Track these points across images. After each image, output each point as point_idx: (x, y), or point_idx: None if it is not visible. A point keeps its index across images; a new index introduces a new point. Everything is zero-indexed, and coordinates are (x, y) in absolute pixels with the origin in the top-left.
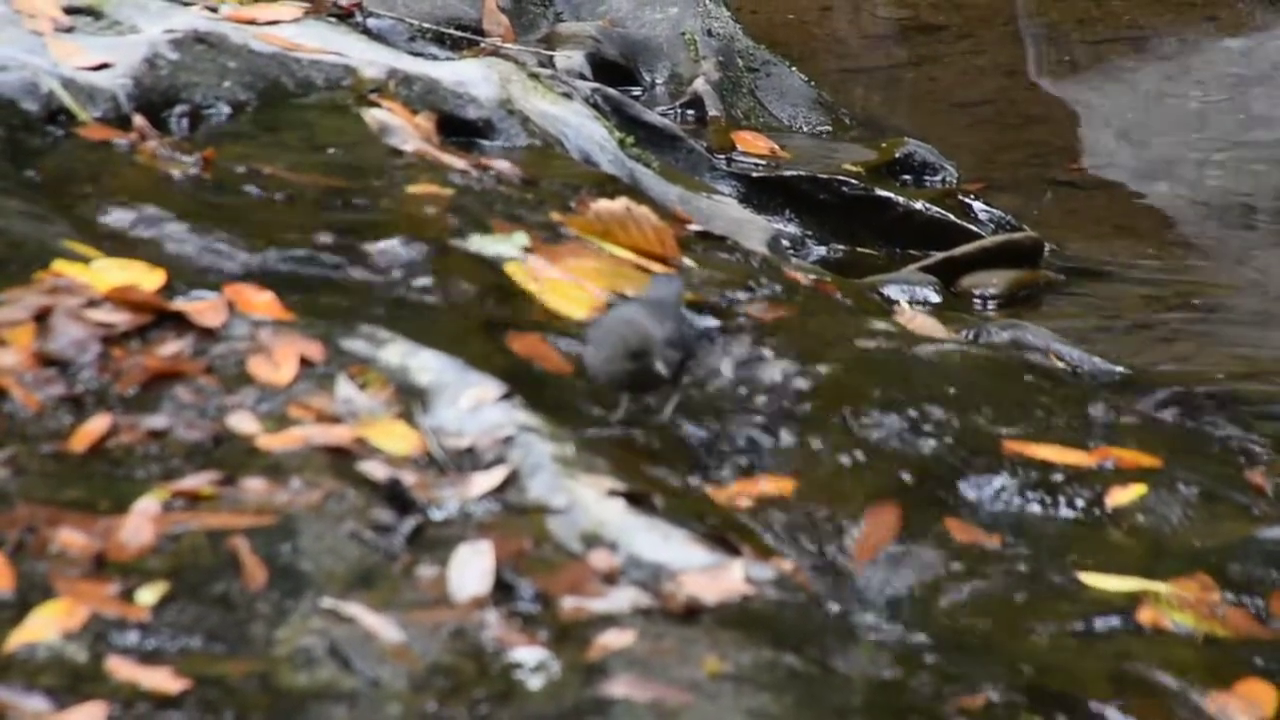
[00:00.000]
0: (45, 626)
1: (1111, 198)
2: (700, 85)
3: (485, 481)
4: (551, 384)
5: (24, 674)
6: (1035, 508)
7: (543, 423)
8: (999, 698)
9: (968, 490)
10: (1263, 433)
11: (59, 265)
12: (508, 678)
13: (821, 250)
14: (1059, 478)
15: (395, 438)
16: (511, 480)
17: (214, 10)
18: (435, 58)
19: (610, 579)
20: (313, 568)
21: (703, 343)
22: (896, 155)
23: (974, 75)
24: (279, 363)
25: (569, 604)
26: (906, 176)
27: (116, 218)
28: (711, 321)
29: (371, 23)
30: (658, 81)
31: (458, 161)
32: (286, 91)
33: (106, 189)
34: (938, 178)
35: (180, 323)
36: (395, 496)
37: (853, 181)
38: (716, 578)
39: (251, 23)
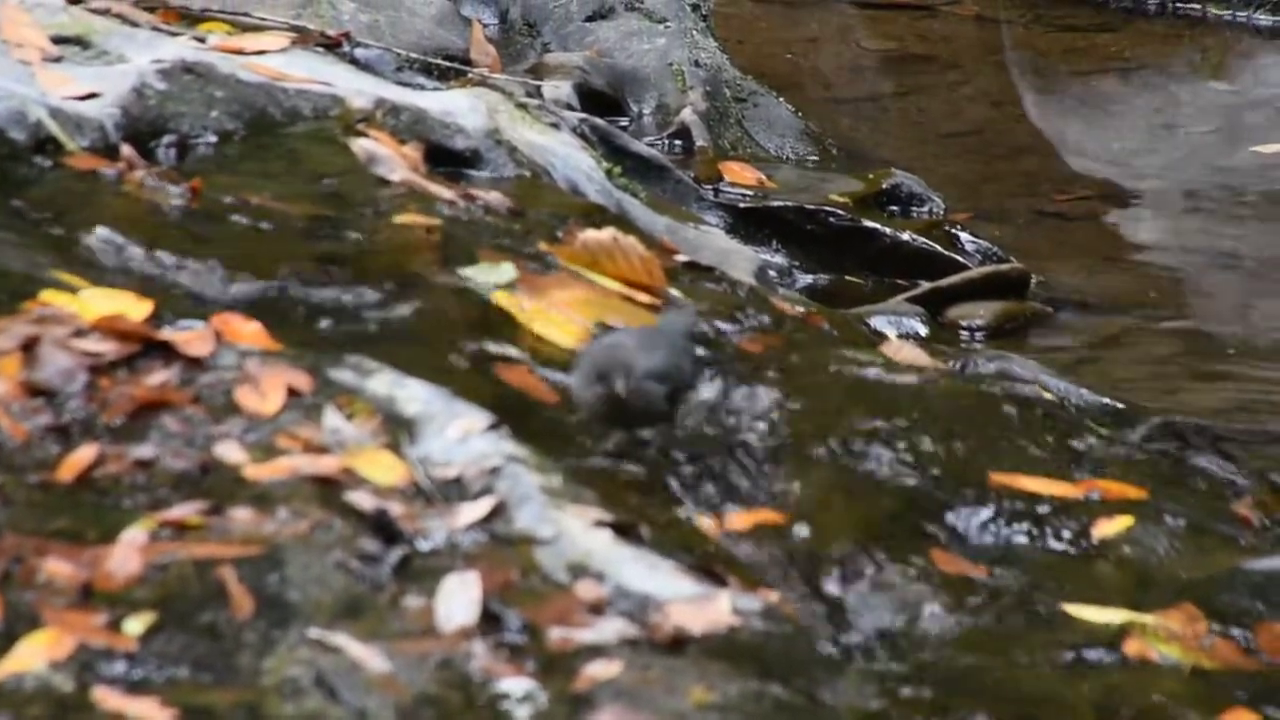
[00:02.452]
0: (32, 656)
1: (1099, 229)
2: (687, 115)
3: (472, 512)
4: (539, 414)
5: (11, 704)
6: (1022, 539)
7: (530, 453)
8: None
9: (954, 521)
10: (1249, 465)
11: (46, 295)
12: (495, 708)
13: (808, 280)
14: (1045, 509)
15: (382, 468)
16: (499, 511)
17: (201, 40)
18: (423, 88)
19: (597, 609)
20: (300, 598)
21: (702, 378)
22: (883, 186)
23: (961, 106)
24: (266, 392)
25: (556, 634)
26: (893, 207)
27: (104, 247)
28: (699, 352)
29: (359, 53)
30: (645, 112)
31: (445, 191)
32: (274, 121)
33: (94, 218)
34: (925, 208)
35: (168, 352)
36: (382, 527)
37: (840, 212)
38: (703, 608)
39: (239, 52)
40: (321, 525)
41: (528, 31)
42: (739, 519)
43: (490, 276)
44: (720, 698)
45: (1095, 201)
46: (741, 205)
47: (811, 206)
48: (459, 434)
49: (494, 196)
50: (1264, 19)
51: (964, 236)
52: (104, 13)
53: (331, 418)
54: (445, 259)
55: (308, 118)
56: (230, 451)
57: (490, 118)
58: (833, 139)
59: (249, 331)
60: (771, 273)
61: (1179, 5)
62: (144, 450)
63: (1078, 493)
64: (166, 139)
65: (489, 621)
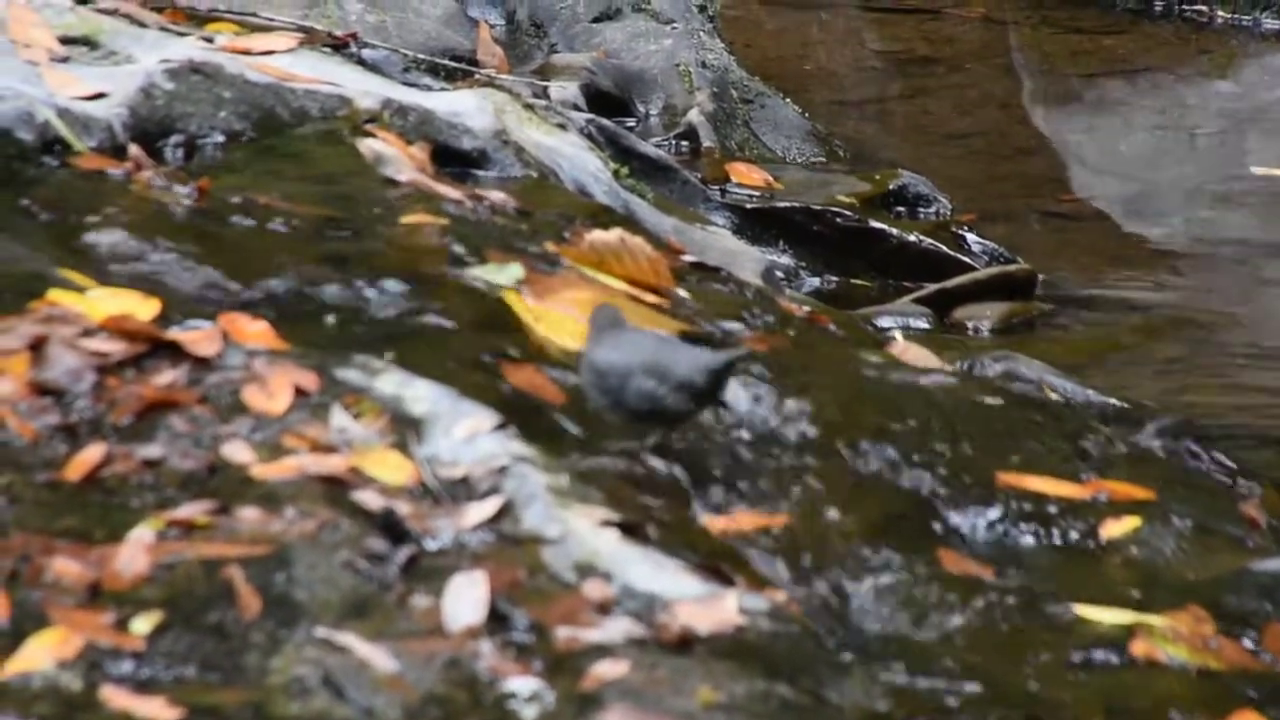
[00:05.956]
0: (40, 655)
1: (1104, 229)
2: (694, 116)
3: (479, 511)
4: (546, 414)
5: (18, 703)
6: (1029, 539)
7: (537, 453)
8: None
9: (961, 522)
10: (1256, 465)
11: (54, 294)
12: (502, 708)
13: (815, 281)
14: (1052, 510)
15: (390, 467)
16: (506, 510)
17: (209, 40)
18: (430, 88)
19: (604, 609)
20: (307, 597)
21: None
22: (890, 187)
23: (967, 107)
24: (274, 392)
25: (563, 634)
26: (900, 208)
27: (112, 247)
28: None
29: (366, 53)
30: (652, 113)
31: (452, 192)
32: (282, 121)
33: (102, 219)
34: (931, 209)
35: (175, 352)
36: (390, 526)
37: (847, 213)
38: (710, 608)
39: (247, 53)
40: (329, 525)
41: (535, 32)
42: (746, 518)
43: (498, 276)
44: (727, 698)
45: (1101, 202)
46: (748, 206)
47: (818, 207)
48: (466, 433)
49: (501, 197)
50: (1271, 22)
51: (970, 237)
52: (111, 13)
53: (339, 417)
54: (453, 259)
55: (315, 118)
56: (238, 451)
57: (497, 118)
58: (839, 140)
59: (256, 331)
60: (778, 273)
61: (1185, 8)
62: (151, 450)
63: (1085, 493)
64: (174, 139)
65: (496, 621)
